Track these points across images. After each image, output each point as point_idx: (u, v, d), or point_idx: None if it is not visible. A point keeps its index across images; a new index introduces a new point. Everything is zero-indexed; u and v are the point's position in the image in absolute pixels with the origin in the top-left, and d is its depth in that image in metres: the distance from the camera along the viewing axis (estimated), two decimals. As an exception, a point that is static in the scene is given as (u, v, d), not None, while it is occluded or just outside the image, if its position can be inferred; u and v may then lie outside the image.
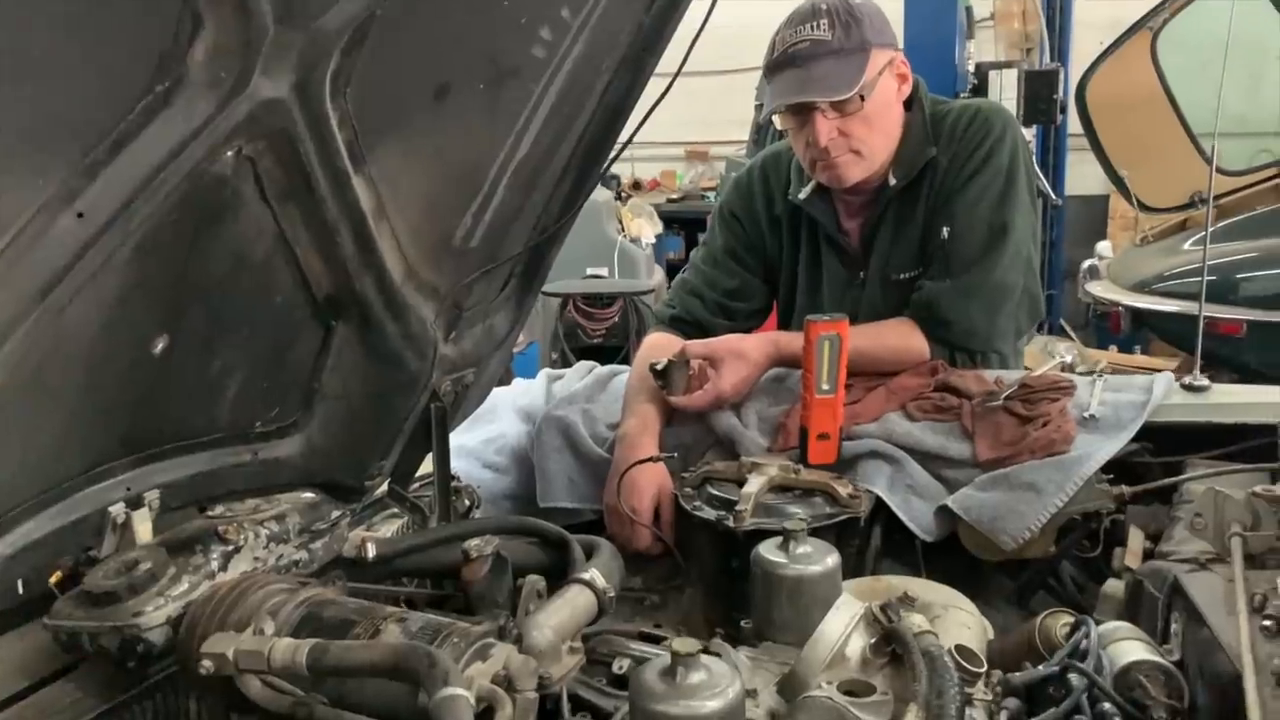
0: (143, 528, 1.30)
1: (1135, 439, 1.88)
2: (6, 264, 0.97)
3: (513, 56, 1.43)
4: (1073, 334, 6.92)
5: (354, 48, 1.16)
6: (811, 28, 2.04)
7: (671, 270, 6.78)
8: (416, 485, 1.79)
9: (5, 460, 1.11)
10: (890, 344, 2.11)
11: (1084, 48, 7.16)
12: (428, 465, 1.74)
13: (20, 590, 1.22)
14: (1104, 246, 6.42)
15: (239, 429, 1.46)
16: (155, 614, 1.17)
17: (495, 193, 1.56)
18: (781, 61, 2.08)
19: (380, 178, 1.35)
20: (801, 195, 2.27)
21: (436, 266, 1.54)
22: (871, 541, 1.80)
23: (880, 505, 1.80)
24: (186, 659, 1.13)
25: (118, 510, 1.29)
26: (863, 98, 2.06)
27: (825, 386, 1.85)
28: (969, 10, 6.39)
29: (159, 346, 1.23)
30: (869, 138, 2.11)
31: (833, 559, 1.38)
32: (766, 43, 2.15)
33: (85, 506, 1.27)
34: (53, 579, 1.26)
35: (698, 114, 7.39)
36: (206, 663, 1.07)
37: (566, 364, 4.94)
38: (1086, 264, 6.15)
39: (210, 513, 1.40)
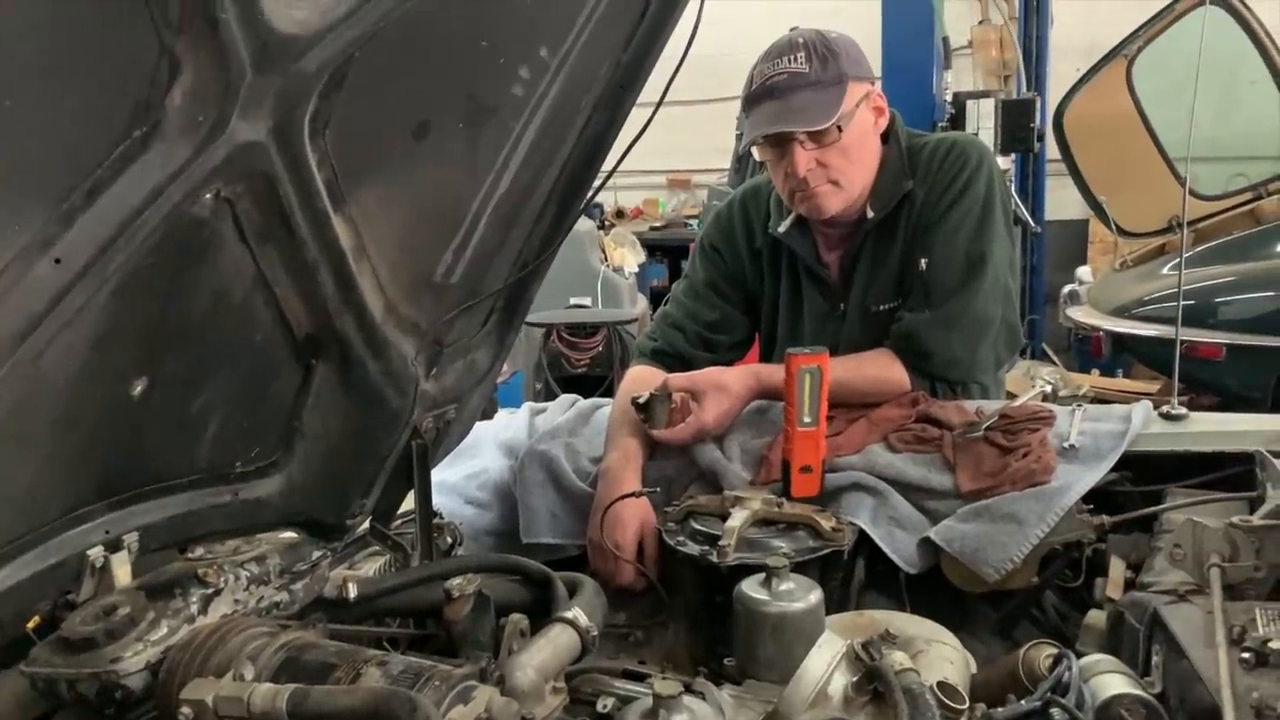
0: (121, 571, 1.29)
1: (1115, 468, 1.89)
2: (-14, 310, 0.97)
3: (492, 95, 1.44)
4: (1055, 358, 6.97)
5: (332, 90, 1.17)
6: (789, 60, 2.06)
7: (655, 298, 6.80)
8: (398, 522, 1.78)
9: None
10: (871, 375, 2.12)
11: (1061, 74, 7.25)
12: (409, 502, 1.74)
13: (-8, 635, 1.21)
14: (1084, 271, 6.48)
15: (219, 469, 1.45)
16: (134, 660, 1.15)
17: (476, 229, 1.57)
18: (759, 94, 2.10)
19: (360, 217, 1.35)
20: (781, 228, 2.29)
21: (417, 303, 1.54)
22: (855, 574, 1.80)
23: (863, 538, 1.81)
24: (166, 705, 1.12)
25: (96, 554, 1.27)
26: (840, 129, 2.08)
27: (807, 419, 1.86)
28: (946, 40, 6.47)
29: (138, 389, 1.22)
30: (847, 169, 2.13)
31: (815, 595, 1.37)
32: (744, 72, 2.18)
33: (63, 550, 1.26)
34: (30, 624, 1.25)
35: (679, 142, 7.44)
36: (186, 709, 1.06)
37: (550, 394, 4.94)
38: (1067, 289, 6.20)
39: (190, 555, 1.39)
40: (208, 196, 1.12)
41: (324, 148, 1.22)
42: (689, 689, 1.19)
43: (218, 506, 1.46)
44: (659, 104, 1.53)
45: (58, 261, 1.01)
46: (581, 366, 5.84)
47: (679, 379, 2.10)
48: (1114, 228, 6.12)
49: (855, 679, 1.20)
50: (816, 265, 2.30)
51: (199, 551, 1.39)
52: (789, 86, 2.06)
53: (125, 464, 1.31)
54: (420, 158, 1.42)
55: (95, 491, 1.30)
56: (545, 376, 5.77)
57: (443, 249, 1.55)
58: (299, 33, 1.06)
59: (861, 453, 1.96)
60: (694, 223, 9.18)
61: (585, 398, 2.47)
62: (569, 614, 1.32)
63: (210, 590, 1.29)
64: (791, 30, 2.16)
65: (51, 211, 0.99)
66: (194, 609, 1.26)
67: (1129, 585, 1.69)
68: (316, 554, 1.50)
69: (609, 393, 2.38)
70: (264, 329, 1.37)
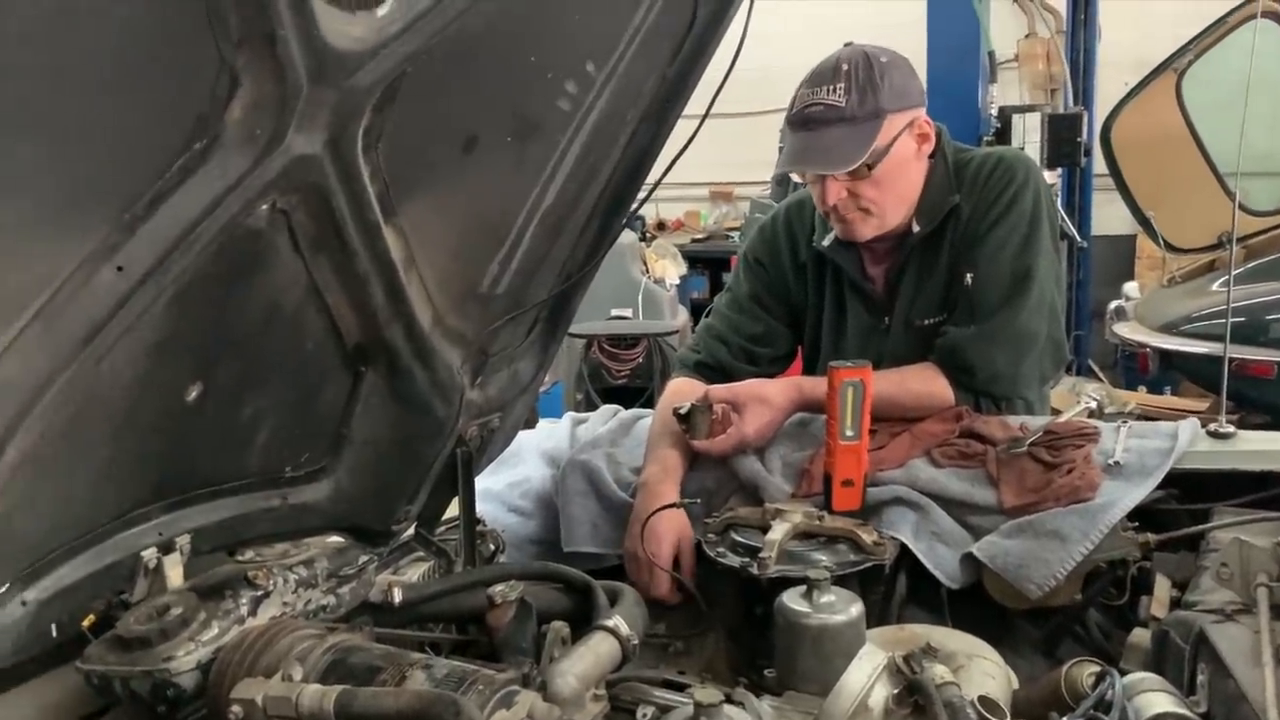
0: (174, 572, 1.32)
1: (1161, 486, 1.87)
2: (48, 316, 1.00)
3: (539, 110, 1.46)
4: (1101, 375, 6.88)
5: (385, 104, 1.19)
6: (827, 91, 2.06)
7: (696, 310, 6.80)
8: (442, 529, 1.80)
9: (42, 506, 1.13)
10: (914, 390, 2.11)
11: (1109, 88, 7.18)
12: (454, 509, 1.76)
13: (54, 634, 1.24)
14: (1131, 287, 6.40)
15: (269, 474, 1.48)
16: (186, 659, 1.18)
17: (522, 241, 1.59)
18: (795, 121, 2.12)
19: (410, 228, 1.37)
20: (825, 242, 2.29)
21: (464, 313, 1.57)
22: (896, 589, 1.79)
23: (905, 552, 1.80)
24: (216, 704, 1.15)
25: (150, 555, 1.31)
26: (870, 166, 2.08)
27: (849, 432, 1.86)
28: (991, 54, 6.43)
29: (193, 394, 1.26)
30: (879, 198, 2.13)
31: (856, 608, 1.38)
32: (789, 85, 2.18)
33: (118, 551, 1.29)
34: (86, 623, 1.28)
35: (722, 155, 7.43)
36: (236, 708, 1.09)
37: (591, 405, 4.96)
38: (1113, 305, 6.12)
39: (240, 557, 1.42)
40: (264, 208, 1.15)
41: (376, 160, 1.25)
42: (729, 699, 1.19)
43: (267, 510, 1.49)
44: (704, 117, 1.54)
45: (120, 269, 1.04)
46: (622, 378, 5.86)
47: (720, 390, 2.11)
48: (1162, 243, 6.04)
49: (896, 692, 1.20)
50: (861, 279, 2.30)
51: (249, 554, 1.42)
52: (822, 119, 2.07)
53: (179, 467, 1.35)
54: (468, 170, 1.44)
55: (150, 494, 1.33)
56: (586, 387, 5.79)
57: (489, 260, 1.58)
58: (354, 49, 1.09)
59: (904, 467, 1.95)
60: (735, 235, 9.18)
61: (626, 409, 2.48)
62: (610, 622, 1.33)
63: (260, 592, 1.31)
64: (844, 47, 2.16)
65: (115, 221, 1.02)
66: (244, 610, 1.29)
67: (1174, 604, 1.67)
68: (363, 559, 1.52)
69: (649, 404, 2.39)
70: (315, 337, 1.39)
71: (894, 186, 2.14)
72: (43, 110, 0.88)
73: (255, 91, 1.04)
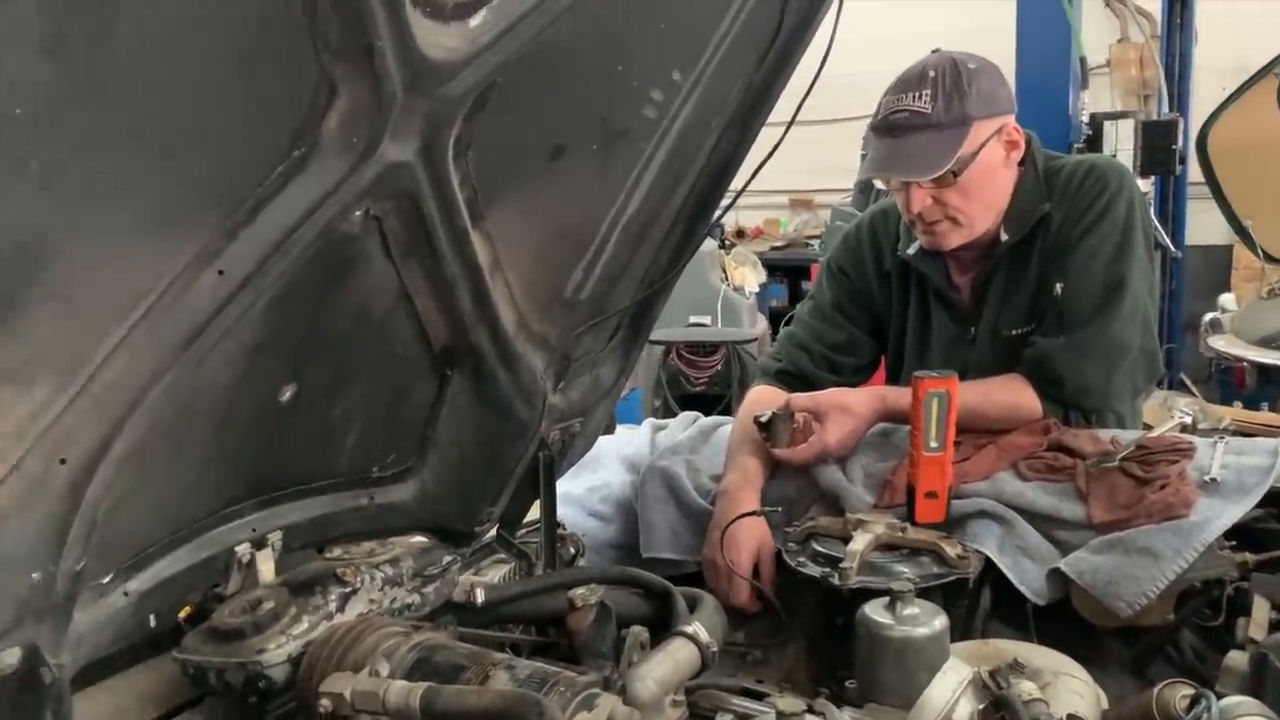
0: (266, 567, 1.36)
1: (1260, 504, 1.80)
2: (153, 318, 1.04)
3: (625, 118, 1.47)
4: (1194, 389, 6.66)
5: (476, 113, 1.21)
6: (913, 98, 2.04)
7: (775, 318, 6.76)
8: (523, 531, 1.82)
9: (144, 502, 1.18)
10: (1001, 401, 2.07)
11: (1205, 94, 6.96)
12: (535, 512, 1.78)
13: (152, 624, 1.28)
14: (1227, 299, 6.18)
15: (357, 474, 1.52)
16: (277, 651, 1.21)
17: (605, 247, 1.60)
18: (880, 127, 2.10)
19: (497, 234, 1.40)
20: (910, 251, 2.26)
21: (547, 318, 1.59)
22: (980, 604, 1.76)
23: (989, 566, 1.77)
24: (305, 697, 1.18)
25: (243, 550, 1.35)
26: (955, 173, 2.05)
27: (933, 444, 1.83)
28: (1083, 59, 6.27)
29: (286, 395, 1.29)
30: (965, 206, 2.10)
31: (940, 621, 1.35)
32: (872, 92, 2.17)
33: (214, 546, 1.33)
34: (182, 614, 1.33)
35: (802, 162, 7.36)
36: (325, 701, 1.11)
37: (669, 411, 4.96)
38: (1208, 317, 5.92)
39: (328, 555, 1.46)
40: (358, 214, 1.18)
41: (465, 168, 1.27)
42: (810, 709, 1.19)
43: (355, 509, 1.52)
44: (789, 125, 1.54)
45: (221, 273, 1.07)
46: (700, 385, 5.85)
47: (802, 399, 2.10)
48: (1260, 253, 5.84)
49: (981, 707, 1.18)
50: (947, 288, 2.27)
51: (337, 552, 1.46)
52: (908, 125, 2.04)
53: (272, 466, 1.39)
54: (554, 178, 1.46)
55: (244, 491, 1.37)
56: (664, 394, 5.80)
57: (573, 266, 1.60)
58: (447, 59, 1.11)
59: (989, 480, 1.92)
60: (815, 243, 9.10)
61: (704, 416, 2.48)
62: (689, 629, 1.33)
63: (348, 589, 1.35)
64: (932, 53, 2.13)
65: (218, 226, 1.06)
66: (332, 606, 1.32)
67: (1274, 626, 1.61)
68: (446, 559, 1.55)
69: (727, 412, 2.39)
70: (403, 340, 1.42)
71: (981, 194, 2.11)
72: (154, 120, 0.91)
73: (353, 101, 1.07)
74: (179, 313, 1.06)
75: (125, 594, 1.21)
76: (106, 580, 1.17)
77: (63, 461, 1.00)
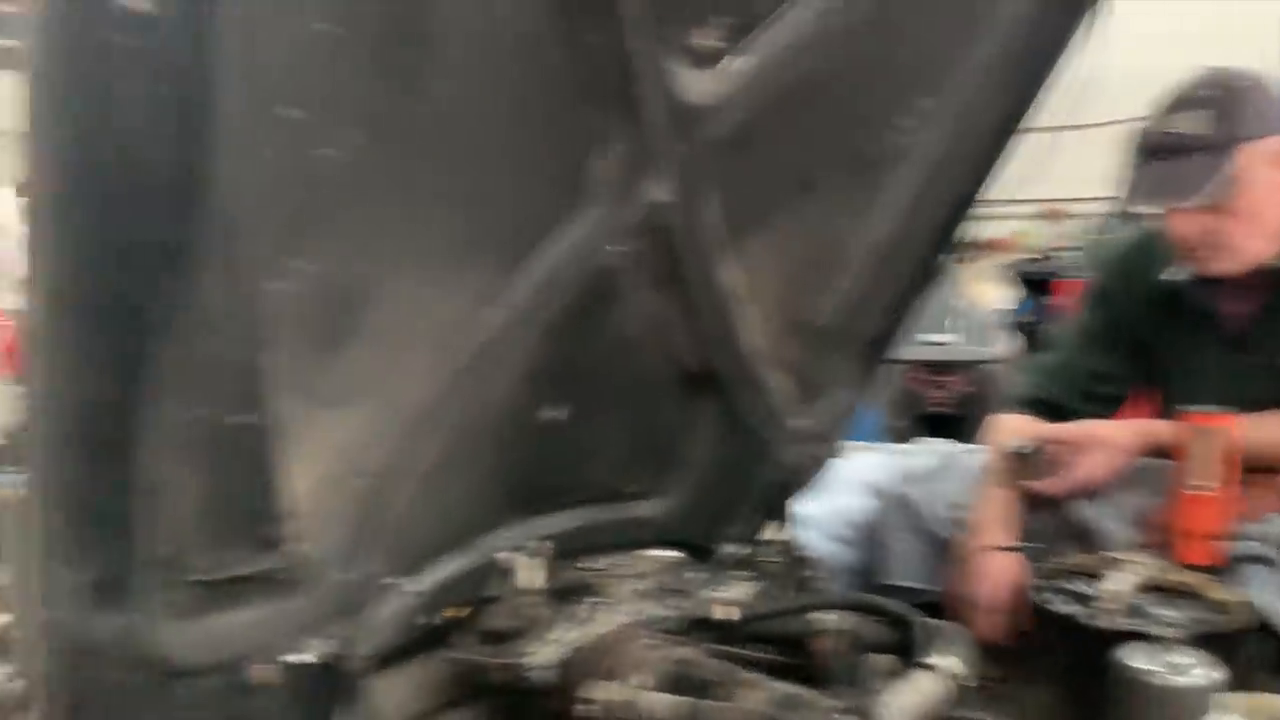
0: (529, 575, 1.45)
1: None
2: (442, 350, 1.15)
3: (875, 147, 1.49)
4: None
5: (731, 150, 1.27)
6: (1181, 119, 1.93)
7: (1023, 336, 6.48)
8: (765, 552, 1.85)
9: (429, 512, 1.29)
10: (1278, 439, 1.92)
11: None
12: (776, 533, 1.81)
13: (429, 623, 1.40)
14: None
15: (610, 490, 1.60)
16: (542, 655, 1.30)
17: (853, 273, 1.62)
18: (1145, 149, 1.99)
19: (745, 263, 1.45)
20: (1181, 276, 2.13)
21: (793, 343, 1.62)
22: (1250, 655, 1.64)
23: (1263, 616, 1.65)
24: (566, 701, 1.26)
25: (510, 559, 1.45)
26: (1225, 198, 1.91)
27: (1202, 482, 1.73)
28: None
29: (550, 417, 1.39)
30: (1234, 232, 1.95)
31: (1208, 671, 1.29)
32: (1125, 95, 2.06)
33: (484, 554, 1.44)
34: (453, 615, 1.44)
35: (1051, 170, 7.04)
36: (586, 707, 1.18)
37: (907, 432, 4.85)
38: None
39: (583, 566, 1.54)
40: (621, 250, 1.26)
41: (719, 202, 1.33)
42: (1062, 753, 1.16)
43: (607, 523, 1.60)
44: (1062, 129, 1.50)
45: (499, 308, 1.18)
46: (939, 405, 5.68)
47: (1058, 430, 2.02)
48: None
49: (1253, 768, 1.12)
50: (1220, 317, 2.12)
51: (593, 564, 1.54)
52: (1174, 149, 1.92)
53: (535, 481, 1.48)
54: (804, 207, 1.49)
55: (510, 504, 1.47)
56: (901, 414, 5.68)
57: (820, 292, 1.62)
58: (707, 103, 1.17)
59: (1264, 522, 1.79)
60: (1065, 255, 8.64)
61: (941, 437, 2.43)
62: (938, 661, 1.32)
63: (603, 600, 1.42)
64: (1202, 72, 2.01)
65: (496, 267, 1.16)
66: (589, 615, 1.40)
67: None
68: (692, 575, 1.61)
69: (965, 432, 2.33)
70: (654, 366, 1.50)
71: (1255, 219, 1.96)
72: (448, 177, 1.02)
73: (618, 149, 1.15)
74: (463, 344, 1.17)
75: (410, 594, 1.33)
76: (396, 581, 1.30)
77: (366, 475, 1.13)
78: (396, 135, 0.92)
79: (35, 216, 0.74)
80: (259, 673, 1.03)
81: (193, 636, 0.97)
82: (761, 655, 1.60)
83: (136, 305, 0.78)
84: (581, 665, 1.27)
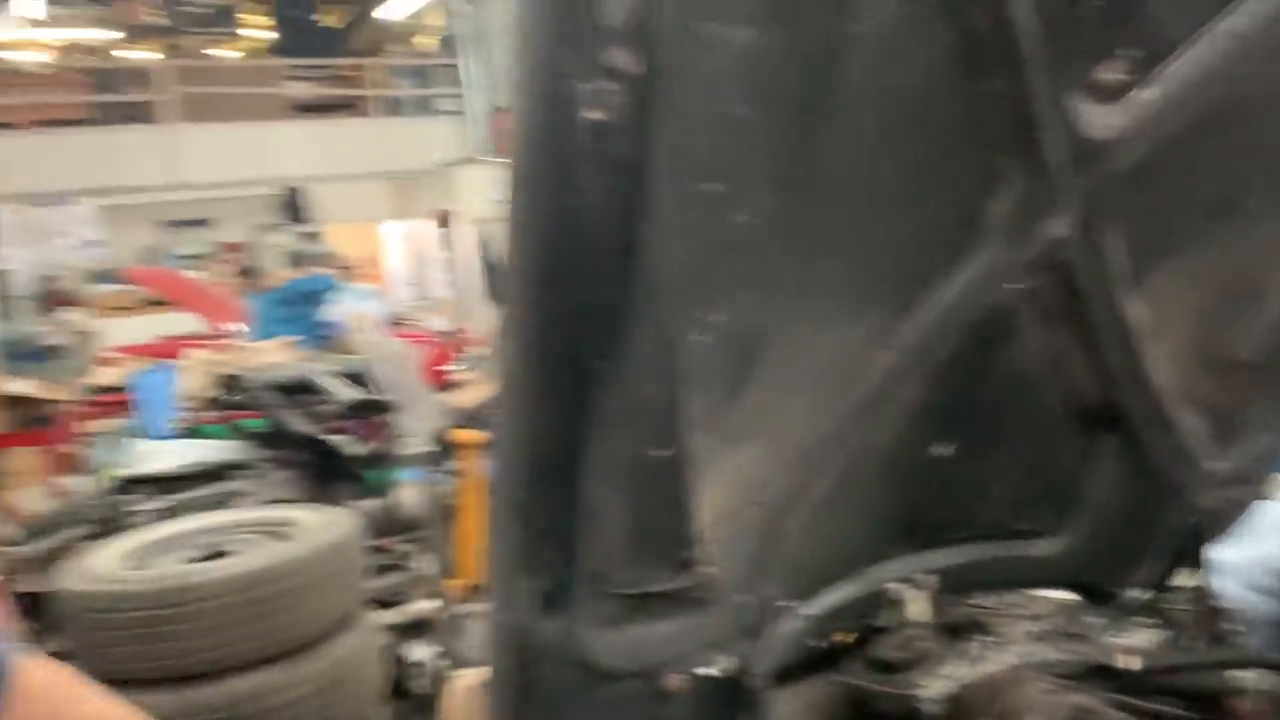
0: (918, 608, 1.47)
1: None
2: (836, 388, 1.21)
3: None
4: None
5: (1137, 182, 1.22)
6: None
7: None
8: (1175, 599, 1.73)
9: (823, 540, 1.35)
10: None
11: None
12: (1187, 579, 1.68)
13: (818, 646, 1.46)
14: None
15: (1002, 526, 1.57)
16: (933, 689, 1.31)
17: (1278, 304, 1.49)
18: None
19: (1154, 296, 1.37)
20: None
21: (1211, 380, 1.52)
22: None
23: None
24: (955, 737, 1.26)
25: (898, 589, 1.47)
26: None
27: None
28: None
29: (941, 452, 1.40)
30: None
31: None
32: None
33: (872, 583, 1.48)
34: (841, 640, 1.49)
35: None
36: (975, 744, 1.19)
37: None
38: None
39: (975, 603, 1.53)
40: (1018, 287, 1.25)
41: (1123, 234, 1.28)
42: None
43: (999, 560, 1.57)
44: None
45: (891, 348, 1.21)
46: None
47: None
48: None
49: None
50: None
51: (983, 601, 1.52)
52: None
53: (924, 514, 1.50)
54: (1219, 236, 1.40)
55: (898, 536, 1.49)
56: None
57: (1239, 325, 1.51)
58: (1112, 137, 1.14)
59: None
60: None
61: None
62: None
63: (994, 639, 1.41)
64: None
65: (889, 308, 1.20)
66: (980, 653, 1.39)
67: None
68: (1091, 619, 1.54)
69: None
70: (1052, 402, 1.46)
71: None
72: (848, 225, 1.08)
73: (1017, 188, 1.15)
74: (856, 382, 1.22)
75: (802, 617, 1.40)
76: (790, 604, 1.37)
77: (764, 505, 1.21)
78: (802, 195, 0.99)
79: (512, 283, 0.90)
80: (673, 681, 1.13)
81: (617, 644, 1.09)
82: (1167, 709, 1.51)
83: (585, 356, 0.91)
84: (973, 703, 1.27)
